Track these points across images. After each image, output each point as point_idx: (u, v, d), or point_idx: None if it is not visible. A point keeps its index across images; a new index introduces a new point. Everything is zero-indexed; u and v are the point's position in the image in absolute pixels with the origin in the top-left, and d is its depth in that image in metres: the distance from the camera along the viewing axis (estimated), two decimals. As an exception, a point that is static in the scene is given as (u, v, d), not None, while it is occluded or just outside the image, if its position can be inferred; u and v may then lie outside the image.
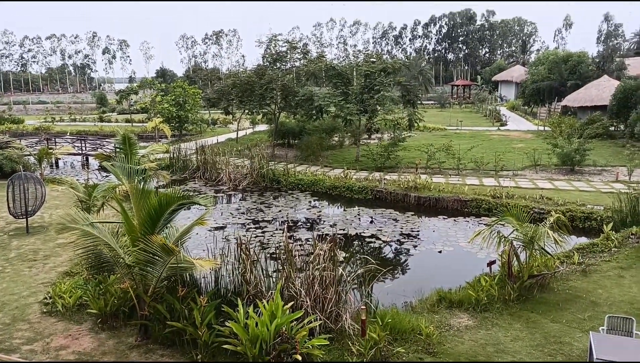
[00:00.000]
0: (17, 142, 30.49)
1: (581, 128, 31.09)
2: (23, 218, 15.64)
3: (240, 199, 22.41)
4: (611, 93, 34.09)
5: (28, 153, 27.66)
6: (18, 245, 14.18)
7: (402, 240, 16.25)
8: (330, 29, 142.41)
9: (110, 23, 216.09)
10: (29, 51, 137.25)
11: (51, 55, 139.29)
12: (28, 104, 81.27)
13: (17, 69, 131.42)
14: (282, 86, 29.27)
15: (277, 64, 31.51)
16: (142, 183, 12.23)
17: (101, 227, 9.63)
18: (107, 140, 35.58)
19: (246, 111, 33.22)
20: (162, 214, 9.52)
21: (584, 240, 14.56)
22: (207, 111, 49.85)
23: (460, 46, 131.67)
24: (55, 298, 10.23)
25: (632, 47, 75.91)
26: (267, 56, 32.18)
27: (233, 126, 42.90)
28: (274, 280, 10.75)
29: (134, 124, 49.19)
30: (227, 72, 64.42)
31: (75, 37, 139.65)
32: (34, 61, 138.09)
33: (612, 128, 34.05)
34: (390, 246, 15.89)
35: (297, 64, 32.32)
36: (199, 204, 10.22)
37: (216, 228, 17.74)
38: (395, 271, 13.85)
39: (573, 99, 40.22)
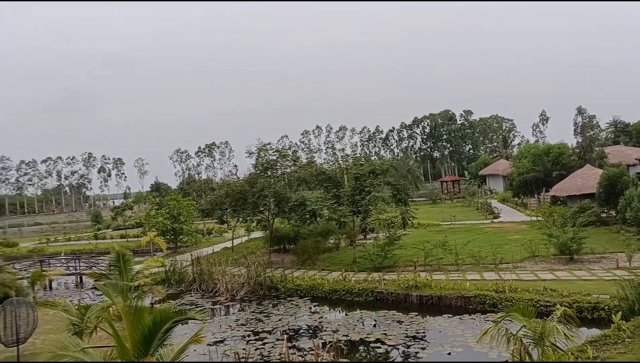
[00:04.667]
0: (10, 266, 30.03)
1: (573, 217, 31.37)
2: (14, 346, 14.95)
3: (238, 310, 21.78)
4: (596, 181, 34.84)
5: (21, 277, 27.15)
6: (5, 375, 13.44)
7: (409, 343, 15.61)
8: (317, 135, 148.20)
9: (105, 142, 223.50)
10: (25, 174, 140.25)
11: (47, 177, 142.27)
12: (23, 227, 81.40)
13: (13, 192, 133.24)
14: (275, 192, 29.76)
15: (268, 171, 32.30)
16: (136, 300, 11.91)
17: (93, 352, 9.23)
18: (102, 257, 35.21)
19: (240, 219, 33.41)
20: (157, 333, 9.19)
21: (595, 332, 14.08)
22: (202, 221, 50.07)
23: (444, 143, 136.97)
24: None
25: (609, 136, 79.18)
26: (258, 164, 33.06)
27: (228, 235, 42.87)
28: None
29: (129, 239, 49.02)
30: (220, 182, 65.75)
31: (71, 159, 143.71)
32: (30, 184, 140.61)
33: (604, 215, 34.38)
34: (397, 349, 15.24)
35: (287, 170, 33.17)
36: (196, 320, 9.93)
37: (215, 342, 17.03)
38: (404, 379, 13.16)
39: (560, 189, 41.02)
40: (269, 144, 32.79)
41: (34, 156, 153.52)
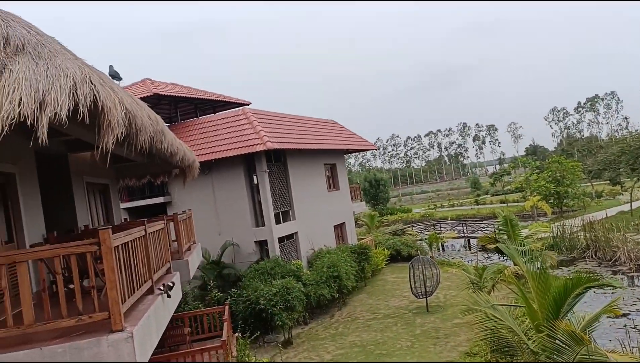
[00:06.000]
0: (410, 229, 34.71)
1: None
2: (423, 298, 17.20)
3: (647, 283, 18.83)
4: None
5: (420, 238, 30.99)
6: (421, 322, 15.56)
7: None
8: None
9: (478, 111, 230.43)
10: (411, 148, 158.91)
11: (429, 149, 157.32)
12: (413, 195, 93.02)
13: (402, 165, 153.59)
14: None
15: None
16: (540, 264, 11.72)
17: (502, 310, 9.57)
18: (485, 222, 36.60)
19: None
20: (567, 298, 8.81)
21: None
22: (590, 183, 45.52)
23: None
24: (462, 378, 10.54)
25: None
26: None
27: (623, 198, 37.56)
28: None
29: (508, 204, 49.17)
30: (608, 138, 58.10)
31: (448, 130, 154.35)
32: (416, 157, 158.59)
33: None
34: None
35: None
36: (612, 286, 9.01)
37: (617, 316, 15.18)
38: None
39: None
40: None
41: (418, 132, 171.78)
